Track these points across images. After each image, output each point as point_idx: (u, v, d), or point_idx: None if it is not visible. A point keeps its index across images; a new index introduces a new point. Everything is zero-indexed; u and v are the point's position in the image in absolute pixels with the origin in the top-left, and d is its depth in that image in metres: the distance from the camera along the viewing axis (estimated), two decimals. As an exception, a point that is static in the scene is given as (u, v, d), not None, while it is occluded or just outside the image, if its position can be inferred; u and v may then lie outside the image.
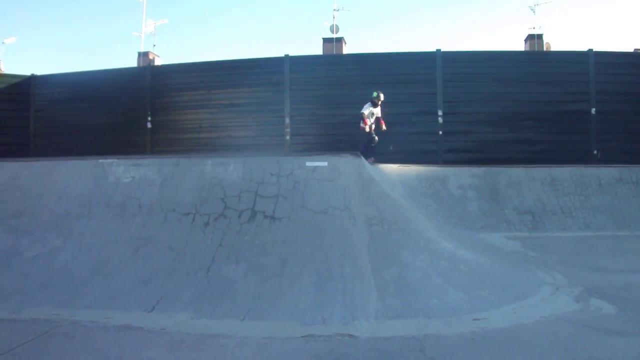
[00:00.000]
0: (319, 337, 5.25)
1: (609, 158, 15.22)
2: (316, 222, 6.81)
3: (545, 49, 21.80)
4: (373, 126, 14.30)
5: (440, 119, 15.33)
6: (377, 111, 14.26)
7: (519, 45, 23.52)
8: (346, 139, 14.95)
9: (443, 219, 11.05)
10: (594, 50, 15.94)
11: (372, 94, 14.23)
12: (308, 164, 7.35)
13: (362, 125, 14.06)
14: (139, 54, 23.78)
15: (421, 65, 15.84)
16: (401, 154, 13.90)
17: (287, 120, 15.77)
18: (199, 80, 16.58)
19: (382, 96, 14.19)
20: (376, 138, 14.06)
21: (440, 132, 15.11)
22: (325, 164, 7.35)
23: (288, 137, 15.73)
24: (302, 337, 5.25)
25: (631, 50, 22.57)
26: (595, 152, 15.53)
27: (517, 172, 13.34)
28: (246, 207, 7.11)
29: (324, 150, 11.49)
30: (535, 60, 16.36)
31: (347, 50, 22.41)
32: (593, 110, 15.62)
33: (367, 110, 14.17)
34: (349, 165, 7.56)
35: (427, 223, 7.92)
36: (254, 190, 7.28)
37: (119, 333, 5.38)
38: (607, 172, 13.92)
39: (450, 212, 12.03)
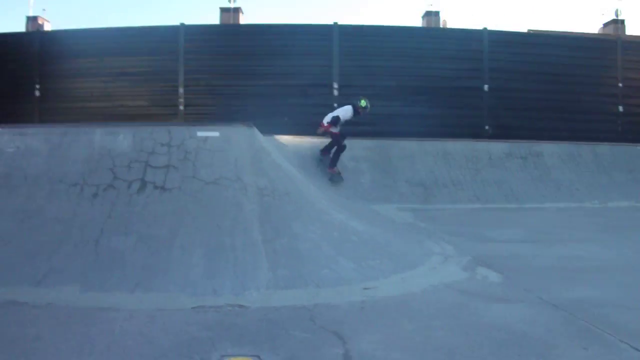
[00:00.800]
0: (210, 307, 5.24)
1: (499, 133, 15.77)
2: (207, 193, 6.74)
3: (442, 26, 22.23)
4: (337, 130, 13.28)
5: (335, 92, 15.42)
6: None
7: (417, 22, 23.89)
8: (241, 110, 14.83)
9: (336, 190, 11.17)
10: (489, 29, 16.40)
11: (359, 101, 13.30)
12: (199, 134, 7.24)
13: (321, 129, 13.19)
14: (28, 18, 22.86)
15: (318, 37, 15.88)
16: (296, 125, 13.91)
17: (181, 90, 15.52)
18: (91, 48, 16.04)
19: (369, 107, 13.39)
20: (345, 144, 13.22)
21: (336, 105, 15.21)
22: (216, 134, 7.27)
23: (182, 107, 15.49)
24: (192, 308, 5.23)
25: (525, 30, 23.31)
26: (487, 127, 16.02)
27: (410, 145, 13.63)
28: (136, 178, 6.94)
29: (219, 121, 11.40)
30: (432, 37, 16.74)
31: (244, 20, 22.23)
32: (486, 87, 16.12)
33: (344, 117, 13.26)
34: (241, 135, 7.51)
35: (319, 194, 7.99)
36: (144, 160, 7.10)
37: (3, 309, 5.18)
38: (498, 147, 14.47)
39: (344, 184, 12.18)
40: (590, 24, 59.29)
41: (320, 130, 13.25)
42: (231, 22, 21.46)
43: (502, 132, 15.79)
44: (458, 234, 9.40)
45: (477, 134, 15.81)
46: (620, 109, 17.07)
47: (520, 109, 16.25)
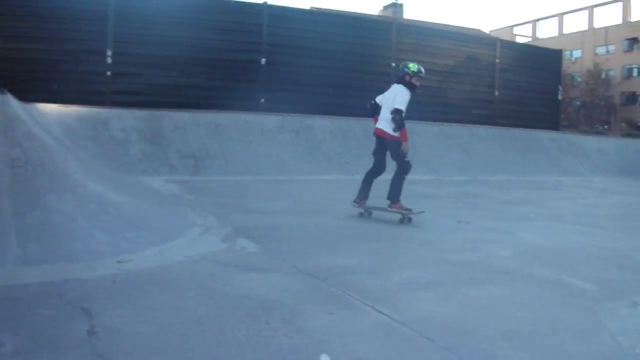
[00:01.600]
0: (-53, 288, 4.89)
1: (274, 107, 16.17)
2: (-49, 164, 6.27)
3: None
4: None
5: (109, 59, 14.92)
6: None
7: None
8: (5, 74, 13.68)
9: (103, 162, 10.87)
10: (269, 3, 16.81)
11: (406, 67, 8.99)
12: (-57, 98, 6.71)
13: (395, 135, 8.92)
14: None
15: (91, 1, 15.17)
16: (65, 93, 13.31)
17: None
18: None
19: (423, 71, 9.07)
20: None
21: (109, 73, 14.75)
22: (-38, 99, 6.77)
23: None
24: None
25: (307, 7, 24.01)
26: (262, 100, 16.34)
27: (182, 117, 13.61)
28: None
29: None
30: (211, 8, 16.57)
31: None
32: (263, 61, 16.41)
33: (406, 102, 8.74)
34: (-8, 102, 7.04)
35: (78, 166, 7.65)
36: None
37: None
38: (271, 120, 14.82)
39: (111, 155, 11.93)
40: (372, 6, 62.22)
41: (406, 147, 8.99)
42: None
43: (277, 106, 16.20)
44: (224, 205, 9.53)
45: (252, 107, 16.10)
46: (391, 87, 18.22)
47: (296, 84, 16.81)
